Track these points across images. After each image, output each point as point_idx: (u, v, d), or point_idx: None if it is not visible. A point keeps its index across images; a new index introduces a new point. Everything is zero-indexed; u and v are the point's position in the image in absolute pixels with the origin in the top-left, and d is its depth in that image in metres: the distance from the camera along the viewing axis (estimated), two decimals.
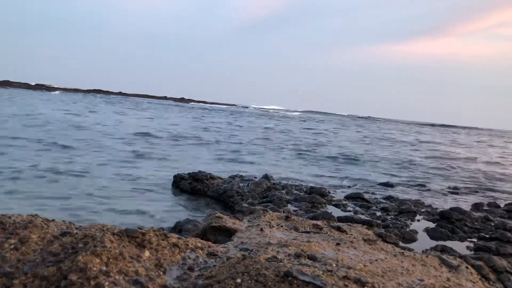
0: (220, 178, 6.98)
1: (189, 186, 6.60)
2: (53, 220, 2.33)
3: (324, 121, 54.12)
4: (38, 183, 6.40)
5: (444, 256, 2.69)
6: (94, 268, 1.73)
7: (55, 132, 12.93)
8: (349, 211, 5.56)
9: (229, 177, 7.24)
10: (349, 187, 7.73)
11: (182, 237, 2.43)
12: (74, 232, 2.13)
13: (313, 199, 5.76)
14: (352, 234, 3.57)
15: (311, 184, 7.37)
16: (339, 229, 3.61)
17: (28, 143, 10.12)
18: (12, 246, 1.94)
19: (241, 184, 6.49)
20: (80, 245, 1.96)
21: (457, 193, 7.70)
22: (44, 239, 2.07)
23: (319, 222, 3.76)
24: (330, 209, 5.54)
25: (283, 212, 4.63)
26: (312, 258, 2.24)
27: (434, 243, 4.29)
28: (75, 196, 5.92)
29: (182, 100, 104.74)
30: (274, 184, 6.69)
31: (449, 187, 8.52)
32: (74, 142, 11.05)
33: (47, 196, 5.78)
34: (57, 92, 68.89)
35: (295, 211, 5.19)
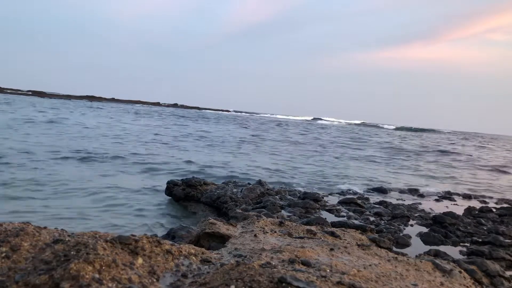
0: (214, 184, 6.97)
1: (182, 192, 6.58)
2: (45, 228, 2.31)
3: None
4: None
5: (437, 261, 2.70)
6: (87, 276, 1.72)
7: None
8: (343, 216, 5.56)
9: (223, 182, 7.22)
10: (342, 192, 7.74)
11: (176, 244, 2.42)
12: (67, 239, 2.11)
13: (306, 204, 5.76)
14: (345, 239, 3.57)
15: (305, 190, 7.38)
16: (332, 234, 3.61)
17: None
18: (3, 255, 1.92)
19: (234, 190, 6.47)
20: (72, 252, 1.94)
21: (449, 198, 7.74)
22: (36, 246, 2.04)
23: (313, 228, 3.76)
24: (324, 214, 5.54)
25: (277, 217, 4.63)
26: (306, 263, 2.23)
27: (427, 247, 4.31)
28: (68, 204, 5.88)
29: (175, 105, 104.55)
30: (267, 189, 6.69)
31: (441, 192, 8.57)
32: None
33: (41, 205, 5.74)
34: (54, 99, 68.21)
35: (288, 216, 5.18)
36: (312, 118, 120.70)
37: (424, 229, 5.07)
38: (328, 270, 2.14)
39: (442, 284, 2.33)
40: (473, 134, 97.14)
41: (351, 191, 7.90)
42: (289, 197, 6.43)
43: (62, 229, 2.41)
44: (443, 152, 22.12)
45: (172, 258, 2.23)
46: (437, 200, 7.48)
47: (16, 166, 8.06)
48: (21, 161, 8.64)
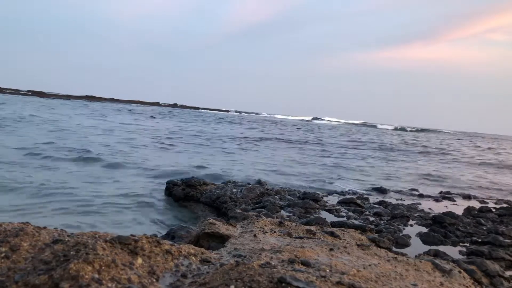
0: (213, 184, 6.97)
1: (182, 192, 6.58)
2: (44, 228, 2.31)
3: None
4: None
5: (437, 261, 2.70)
6: (86, 276, 1.72)
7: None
8: (342, 216, 5.56)
9: (222, 182, 7.22)
10: (342, 192, 7.74)
11: (175, 244, 2.42)
12: (66, 239, 2.11)
13: (306, 204, 5.75)
14: (345, 239, 3.57)
15: (304, 190, 7.38)
16: (332, 234, 3.61)
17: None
18: (2, 255, 1.92)
19: (234, 190, 6.47)
20: (72, 252, 1.94)
21: (449, 198, 7.74)
22: (36, 247, 2.04)
23: (312, 228, 3.76)
24: (324, 214, 5.54)
25: (277, 217, 4.63)
26: (306, 264, 2.23)
27: (427, 247, 4.31)
28: (66, 204, 5.87)
29: (174, 105, 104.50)
30: (267, 189, 6.69)
31: (441, 192, 8.57)
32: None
33: (38, 205, 5.74)
34: (54, 99, 67.85)
35: (288, 216, 5.18)
36: (311, 118, 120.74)
37: (424, 229, 5.07)
38: (327, 270, 2.14)
39: (441, 284, 2.34)
40: (474, 134, 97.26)
41: (350, 191, 7.90)
42: (288, 197, 6.43)
43: (61, 229, 2.41)
44: (442, 152, 22.14)
45: (172, 258, 2.23)
46: (436, 200, 7.48)
47: (12, 165, 8.06)
48: (15, 161, 8.64)
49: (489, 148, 31.65)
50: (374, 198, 7.16)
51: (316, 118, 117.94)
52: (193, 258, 2.33)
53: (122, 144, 13.53)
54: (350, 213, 5.73)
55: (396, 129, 79.60)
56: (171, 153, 12.74)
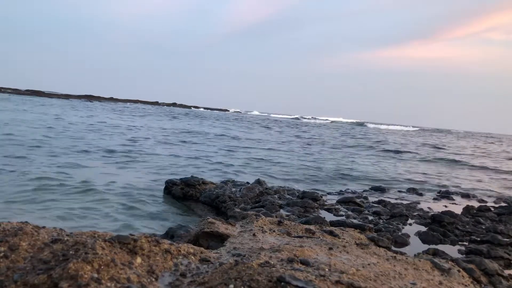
0: (212, 183, 6.97)
1: (181, 191, 6.58)
2: (43, 227, 2.31)
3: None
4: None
5: (436, 260, 2.70)
6: (85, 276, 1.72)
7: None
8: (341, 215, 5.57)
9: (221, 182, 7.22)
10: (341, 191, 7.74)
11: (174, 243, 2.42)
12: (65, 239, 2.11)
13: (305, 203, 5.76)
14: (344, 239, 3.57)
15: (304, 189, 7.39)
16: (331, 233, 3.61)
17: None
18: (1, 254, 1.92)
19: (233, 189, 6.47)
20: (71, 252, 1.94)
21: (448, 197, 7.74)
22: (35, 246, 2.04)
23: (311, 227, 3.76)
24: (323, 213, 5.54)
25: (276, 217, 4.63)
26: (305, 263, 2.23)
27: (426, 246, 4.31)
28: (64, 204, 5.87)
29: (174, 105, 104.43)
30: (266, 188, 6.68)
31: (440, 191, 8.57)
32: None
33: (40, 204, 5.73)
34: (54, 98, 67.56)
35: (287, 215, 5.18)
36: (311, 117, 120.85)
37: (423, 228, 5.08)
38: (327, 269, 2.14)
39: (440, 283, 2.34)
40: (473, 134, 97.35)
41: (349, 190, 7.90)
42: (288, 196, 6.43)
43: (60, 229, 2.41)
44: (440, 151, 22.19)
45: (171, 258, 2.23)
46: (435, 199, 7.48)
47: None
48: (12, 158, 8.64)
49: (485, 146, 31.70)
50: (373, 197, 7.16)
51: (316, 118, 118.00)
52: (192, 257, 2.33)
53: (122, 143, 13.54)
54: (349, 212, 5.73)
55: (394, 128, 79.68)
56: (173, 150, 12.75)
